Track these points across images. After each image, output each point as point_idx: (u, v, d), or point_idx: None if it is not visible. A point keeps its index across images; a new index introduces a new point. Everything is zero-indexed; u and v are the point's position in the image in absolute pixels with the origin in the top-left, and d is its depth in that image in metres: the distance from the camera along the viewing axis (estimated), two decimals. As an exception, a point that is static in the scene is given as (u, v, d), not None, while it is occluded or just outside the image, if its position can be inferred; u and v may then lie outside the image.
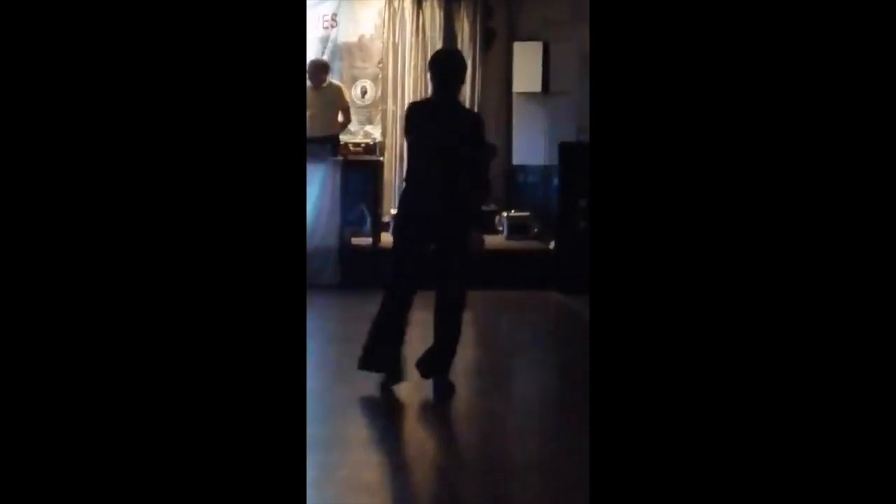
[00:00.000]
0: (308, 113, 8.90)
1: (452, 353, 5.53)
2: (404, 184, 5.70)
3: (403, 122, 5.70)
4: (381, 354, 5.51)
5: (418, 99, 10.69)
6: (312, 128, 9.11)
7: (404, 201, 5.62)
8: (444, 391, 5.48)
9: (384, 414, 5.36)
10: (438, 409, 5.38)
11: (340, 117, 10.13)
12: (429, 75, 5.74)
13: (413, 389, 5.56)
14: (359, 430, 4.99)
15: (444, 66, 5.59)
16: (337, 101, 10.05)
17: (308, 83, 9.64)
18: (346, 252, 9.47)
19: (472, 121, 5.64)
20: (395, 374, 5.53)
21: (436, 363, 5.51)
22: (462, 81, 5.69)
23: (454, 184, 5.40)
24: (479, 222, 5.74)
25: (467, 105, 11.05)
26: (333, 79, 10.54)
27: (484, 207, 10.47)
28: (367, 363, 5.53)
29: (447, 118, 5.47)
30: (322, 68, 10.07)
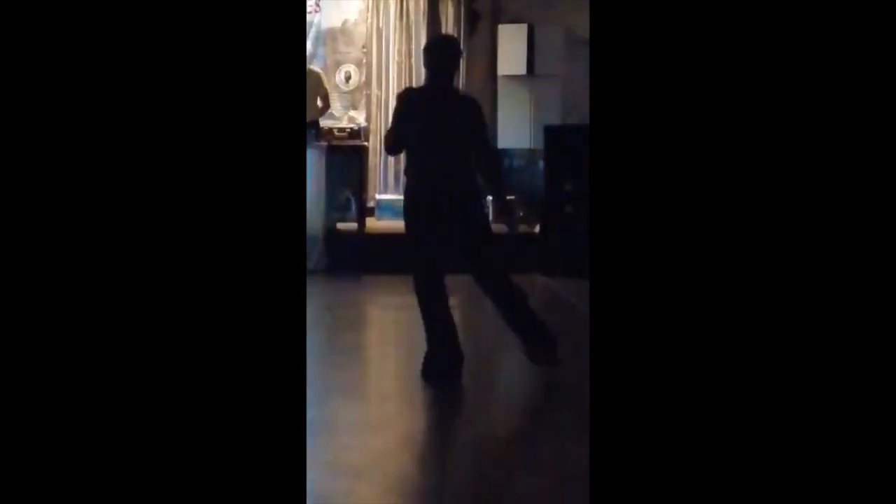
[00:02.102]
0: None
1: (534, 316, 5.62)
2: (405, 175, 5.65)
3: (397, 106, 5.65)
4: (441, 359, 5.47)
5: (409, 85, 10.73)
6: None
7: (409, 192, 5.56)
8: (550, 353, 5.59)
9: (386, 401, 5.42)
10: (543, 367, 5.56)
11: (319, 103, 10.17)
12: (423, 62, 5.66)
13: (400, 375, 5.61)
14: (346, 414, 5.02)
15: (441, 53, 5.53)
16: (315, 87, 10.09)
17: None
18: (332, 237, 9.53)
19: (473, 108, 5.58)
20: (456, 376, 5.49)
21: (535, 341, 5.57)
22: (457, 68, 5.67)
23: (457, 171, 5.39)
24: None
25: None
26: (316, 65, 10.63)
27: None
28: (428, 372, 5.48)
29: (446, 106, 5.46)
30: None
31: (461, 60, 11.16)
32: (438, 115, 5.42)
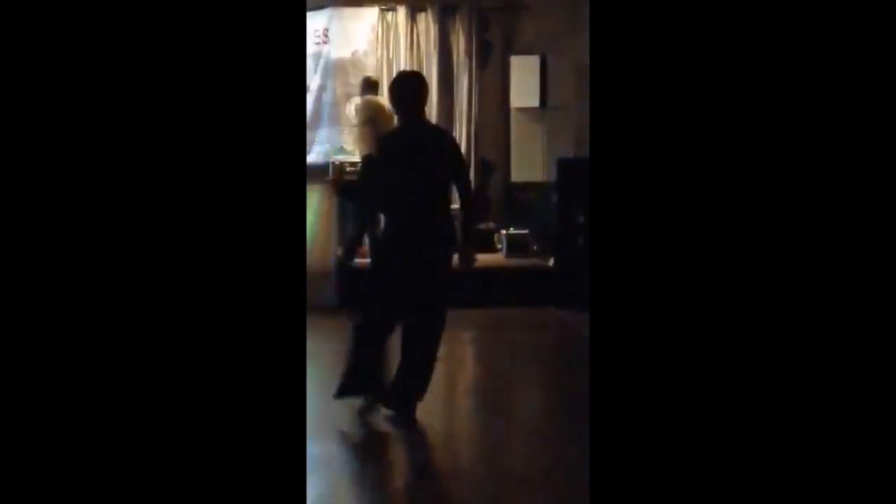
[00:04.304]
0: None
1: (427, 381, 5.61)
2: (383, 215, 5.76)
3: (379, 154, 5.77)
4: (361, 379, 5.68)
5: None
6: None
7: (388, 229, 5.64)
8: (407, 423, 5.55)
9: (371, 436, 5.53)
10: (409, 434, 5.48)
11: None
12: (390, 100, 5.76)
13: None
14: (360, 448, 5.17)
15: (409, 89, 5.61)
16: (375, 115, 10.17)
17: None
18: (344, 273, 9.71)
19: (449, 138, 5.72)
20: (376, 399, 5.67)
21: (408, 394, 5.59)
22: (424, 101, 5.67)
23: (437, 206, 5.52)
24: (468, 239, 5.77)
25: (465, 120, 11.28)
26: (327, 97, 10.83)
27: (482, 226, 10.71)
28: (344, 390, 5.68)
29: (424, 140, 5.55)
30: (364, 84, 10.37)
31: (473, 92, 11.36)
32: (419, 150, 5.50)
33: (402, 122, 5.70)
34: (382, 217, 5.77)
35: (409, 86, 5.66)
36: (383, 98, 10.64)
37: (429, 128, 5.81)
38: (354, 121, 10.28)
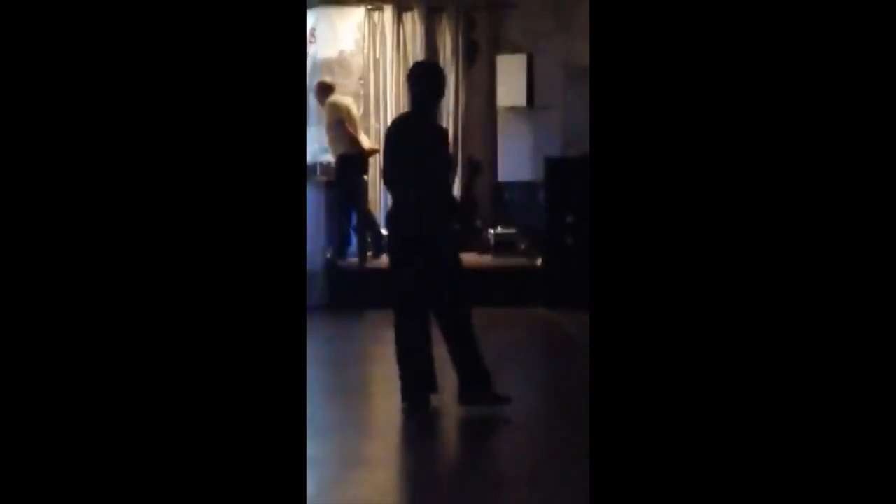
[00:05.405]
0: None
1: (485, 371, 5.72)
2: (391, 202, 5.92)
3: (389, 139, 6.00)
4: (418, 383, 5.77)
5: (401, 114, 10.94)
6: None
7: (391, 220, 5.82)
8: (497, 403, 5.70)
9: (392, 433, 5.58)
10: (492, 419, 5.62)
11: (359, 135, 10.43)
12: (408, 88, 5.91)
13: (402, 410, 5.79)
14: (351, 448, 5.17)
15: (423, 80, 5.79)
16: (339, 116, 10.32)
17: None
18: (333, 273, 9.77)
19: (440, 133, 5.81)
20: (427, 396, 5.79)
21: (475, 388, 5.71)
22: (441, 94, 5.93)
23: (433, 194, 5.62)
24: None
25: (451, 119, 11.34)
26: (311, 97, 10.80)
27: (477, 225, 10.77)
28: (407, 396, 5.79)
29: (421, 131, 5.69)
30: (320, 88, 10.51)
31: (460, 91, 11.40)
32: (414, 138, 5.67)
33: (412, 109, 5.87)
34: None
35: (421, 77, 5.83)
36: (348, 98, 10.73)
37: (431, 120, 5.91)
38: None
